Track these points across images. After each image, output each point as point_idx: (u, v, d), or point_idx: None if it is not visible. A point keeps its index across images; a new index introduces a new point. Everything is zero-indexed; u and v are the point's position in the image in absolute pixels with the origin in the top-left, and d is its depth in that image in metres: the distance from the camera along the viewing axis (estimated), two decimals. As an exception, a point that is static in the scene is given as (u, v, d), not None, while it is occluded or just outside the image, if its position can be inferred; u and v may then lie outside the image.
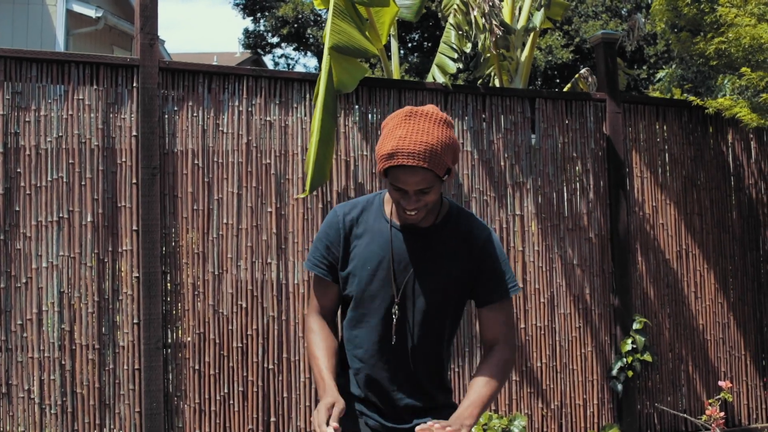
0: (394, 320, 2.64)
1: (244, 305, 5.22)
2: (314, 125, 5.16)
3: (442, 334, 2.71)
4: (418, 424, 2.67)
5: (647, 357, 6.01)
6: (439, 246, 2.65)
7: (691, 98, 6.60)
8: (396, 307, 2.64)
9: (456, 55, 6.67)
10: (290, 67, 27.67)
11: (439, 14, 7.65)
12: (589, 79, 8.31)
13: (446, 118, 2.50)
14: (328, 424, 2.41)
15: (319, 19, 23.42)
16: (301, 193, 5.37)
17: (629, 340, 6.05)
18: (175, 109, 5.20)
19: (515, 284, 2.72)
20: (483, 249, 2.67)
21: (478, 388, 2.59)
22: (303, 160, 5.45)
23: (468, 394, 2.58)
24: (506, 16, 7.22)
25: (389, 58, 7.39)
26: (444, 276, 2.65)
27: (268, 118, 5.42)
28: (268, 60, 27.36)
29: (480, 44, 6.94)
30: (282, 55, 27.76)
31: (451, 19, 6.86)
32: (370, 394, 2.70)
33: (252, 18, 26.01)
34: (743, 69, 6.04)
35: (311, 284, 2.81)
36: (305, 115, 5.51)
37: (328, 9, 5.63)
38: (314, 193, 5.41)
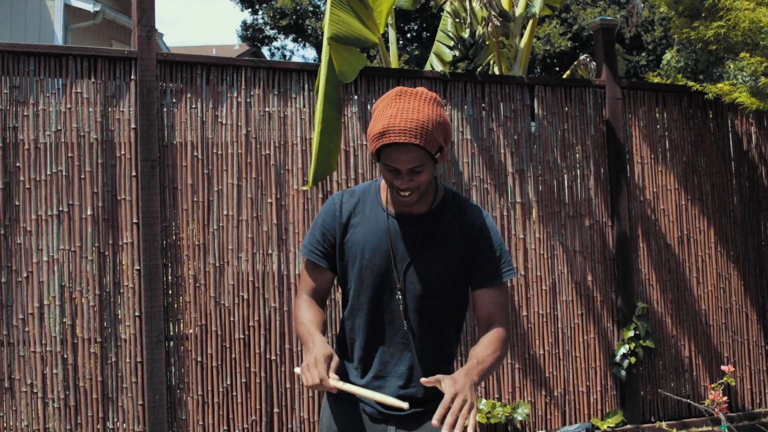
0: (397, 308, 2.63)
1: (245, 297, 5.22)
2: (317, 116, 5.13)
3: (445, 320, 2.70)
4: (417, 412, 2.66)
5: (650, 343, 6.01)
6: (436, 231, 2.64)
7: (691, 83, 6.57)
8: (398, 294, 2.63)
9: (453, 43, 6.66)
10: (287, 58, 27.59)
11: (432, 2, 7.60)
12: (589, 66, 8.28)
13: (436, 96, 2.50)
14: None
15: (317, 10, 23.35)
16: (305, 184, 5.35)
17: (631, 327, 6.04)
18: (174, 101, 5.19)
19: (511, 267, 2.71)
20: (479, 233, 2.66)
21: (483, 353, 2.54)
22: (303, 151, 5.44)
23: (475, 353, 2.54)
24: (504, 3, 7.20)
25: (387, 48, 7.37)
26: (443, 261, 2.64)
27: (267, 109, 5.41)
28: (265, 52, 27.30)
29: (479, 32, 6.92)
30: (279, 47, 27.70)
31: (447, 7, 6.84)
32: (370, 382, 2.69)
33: (251, 10, 25.93)
34: (742, 54, 6.02)
35: (302, 272, 2.77)
36: (304, 106, 5.50)
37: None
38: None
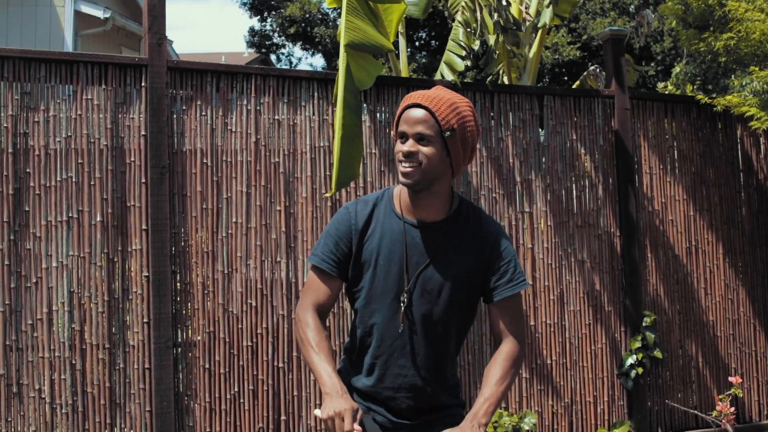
0: (402, 309, 2.63)
1: (253, 304, 5.22)
2: (336, 123, 5.11)
3: (452, 329, 2.71)
4: (426, 421, 2.67)
5: (657, 353, 6.00)
6: (450, 239, 2.66)
7: (699, 96, 6.57)
8: (404, 296, 2.63)
9: (464, 53, 6.66)
10: (293, 65, 27.66)
11: (446, 13, 7.62)
12: (599, 76, 8.29)
13: (467, 100, 2.63)
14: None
15: (326, 18, 23.41)
16: (315, 192, 5.34)
17: (639, 337, 6.03)
18: (184, 108, 5.20)
19: (524, 279, 2.72)
20: (494, 244, 2.68)
21: (492, 385, 2.58)
22: (312, 159, 5.45)
23: (482, 390, 2.58)
24: (514, 12, 7.21)
25: (397, 56, 7.38)
26: (455, 269, 2.65)
27: (276, 117, 5.42)
28: (272, 59, 27.37)
29: (491, 41, 6.93)
30: (286, 54, 27.75)
31: (459, 17, 6.85)
32: (379, 390, 2.69)
33: (259, 17, 26.01)
34: (752, 68, 6.01)
35: (310, 279, 2.74)
36: (314, 114, 5.51)
37: (339, 7, 5.61)
38: (323, 191, 5.41)
